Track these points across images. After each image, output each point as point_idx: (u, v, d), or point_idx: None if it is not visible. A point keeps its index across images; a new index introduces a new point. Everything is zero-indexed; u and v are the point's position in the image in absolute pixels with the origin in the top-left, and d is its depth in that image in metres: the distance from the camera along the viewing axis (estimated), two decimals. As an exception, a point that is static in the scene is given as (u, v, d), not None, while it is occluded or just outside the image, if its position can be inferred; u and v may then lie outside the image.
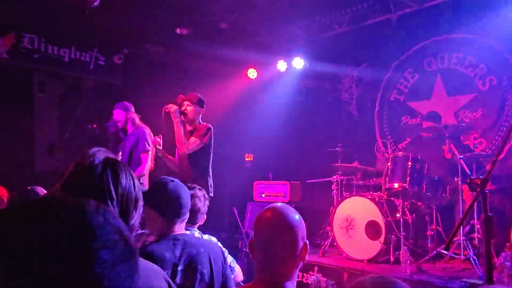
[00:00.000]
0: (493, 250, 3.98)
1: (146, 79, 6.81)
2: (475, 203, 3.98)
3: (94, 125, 4.49)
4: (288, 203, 6.07)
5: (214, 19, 6.22)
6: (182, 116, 4.17)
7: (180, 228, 2.08)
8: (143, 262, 1.34)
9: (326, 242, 4.89)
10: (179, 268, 1.94)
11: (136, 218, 1.28)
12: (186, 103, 4.25)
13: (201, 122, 4.37)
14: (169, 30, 6.38)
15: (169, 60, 7.11)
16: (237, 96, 7.42)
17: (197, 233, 2.32)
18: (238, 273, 2.47)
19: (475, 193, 1.94)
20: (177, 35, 6.41)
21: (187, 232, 2.28)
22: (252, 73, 7.33)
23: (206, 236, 2.33)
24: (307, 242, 1.44)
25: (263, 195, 6.39)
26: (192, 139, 4.20)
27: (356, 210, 4.61)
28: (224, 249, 2.33)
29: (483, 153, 4.94)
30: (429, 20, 5.67)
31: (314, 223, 6.10)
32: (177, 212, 2.04)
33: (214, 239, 2.38)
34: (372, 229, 4.46)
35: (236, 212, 6.64)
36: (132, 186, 1.25)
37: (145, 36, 6.63)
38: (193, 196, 2.35)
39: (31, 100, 5.78)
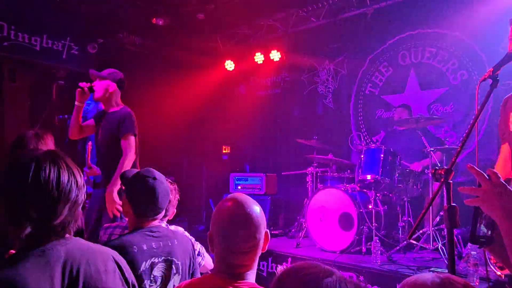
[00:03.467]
0: (461, 240, 4.12)
1: (121, 70, 6.69)
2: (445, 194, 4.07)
3: (66, 116, 4.37)
4: (264, 195, 6.12)
5: (191, 10, 6.15)
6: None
7: (154, 221, 2.07)
8: (88, 245, 1.33)
9: (300, 234, 4.94)
10: (156, 260, 1.93)
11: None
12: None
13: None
14: (145, 20, 6.28)
15: (145, 50, 7.01)
16: (214, 87, 7.39)
17: (163, 224, 2.31)
18: (208, 262, 2.47)
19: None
20: (153, 25, 6.32)
21: (162, 224, 2.27)
22: (229, 65, 7.30)
23: (172, 227, 2.32)
24: (268, 231, 1.44)
25: (239, 187, 6.40)
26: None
27: (329, 201, 4.66)
28: (191, 237, 2.33)
29: (454, 146, 5.04)
30: (404, 14, 5.74)
31: (289, 215, 6.15)
32: (150, 210, 2.03)
33: (180, 229, 2.37)
34: (345, 220, 4.52)
35: (212, 204, 6.64)
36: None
37: (120, 25, 6.50)
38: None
39: (1, 89, 5.62)
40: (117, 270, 1.33)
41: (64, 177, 1.29)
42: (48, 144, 2.49)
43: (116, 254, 1.37)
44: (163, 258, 1.96)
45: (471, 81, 5.37)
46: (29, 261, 1.19)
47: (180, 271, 2.01)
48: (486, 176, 1.25)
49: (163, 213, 2.13)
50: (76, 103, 3.52)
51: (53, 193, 1.26)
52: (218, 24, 6.68)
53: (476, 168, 1.27)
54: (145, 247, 1.91)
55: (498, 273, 2.35)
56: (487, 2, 4.90)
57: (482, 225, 1.45)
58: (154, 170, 2.12)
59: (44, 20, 5.74)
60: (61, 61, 6.08)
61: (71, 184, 1.30)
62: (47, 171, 1.27)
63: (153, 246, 1.94)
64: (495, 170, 1.24)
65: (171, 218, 2.43)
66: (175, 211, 2.45)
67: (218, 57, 7.30)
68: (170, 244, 2.00)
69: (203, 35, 6.84)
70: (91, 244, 1.35)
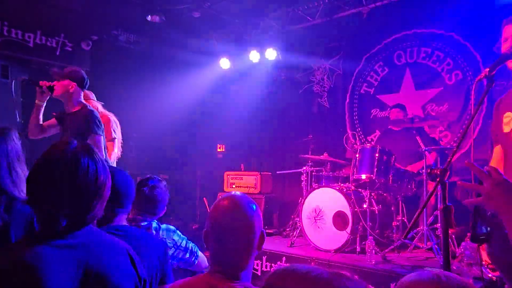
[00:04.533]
0: (455, 240, 4.13)
1: (115, 67, 6.66)
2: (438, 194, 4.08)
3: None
4: (258, 194, 6.11)
5: (186, 7, 6.12)
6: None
7: (120, 220, 1.97)
8: (106, 237, 1.32)
9: (295, 233, 4.93)
10: None
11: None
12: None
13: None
14: (140, 17, 6.24)
15: (140, 48, 6.97)
16: (209, 86, 7.37)
17: (154, 224, 2.29)
18: (202, 260, 2.46)
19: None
20: (148, 22, 6.28)
21: (153, 223, 2.26)
22: (224, 63, 7.28)
23: (164, 226, 2.31)
24: (264, 231, 1.43)
25: (234, 186, 6.38)
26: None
27: (324, 201, 4.66)
28: (174, 239, 2.28)
29: (448, 145, 5.06)
30: (400, 14, 5.75)
31: (284, 214, 6.15)
32: (117, 202, 1.93)
33: (172, 227, 2.35)
34: (339, 219, 4.52)
35: (206, 203, 6.62)
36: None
37: (115, 22, 6.46)
38: (154, 187, 2.32)
39: (-6, 86, 5.56)
40: (130, 264, 1.31)
41: (101, 172, 1.27)
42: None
43: (130, 249, 1.35)
44: None
45: (466, 81, 5.39)
46: (50, 248, 1.18)
47: (145, 273, 1.89)
48: (486, 173, 1.22)
49: (128, 209, 2.01)
50: (36, 101, 3.48)
51: (91, 189, 1.24)
52: (214, 22, 6.66)
53: (475, 165, 1.25)
54: None
55: (490, 275, 2.36)
56: (482, 2, 4.92)
57: (482, 224, 1.44)
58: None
59: (37, 17, 5.68)
60: (54, 58, 6.02)
61: (106, 179, 1.28)
62: (86, 167, 1.25)
63: None
64: (495, 166, 1.21)
65: (161, 215, 2.42)
66: (165, 209, 2.43)
67: (213, 55, 7.27)
68: (136, 244, 1.90)
69: (199, 33, 6.82)
70: (107, 236, 1.34)
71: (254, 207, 1.44)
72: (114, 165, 4.55)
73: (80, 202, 1.23)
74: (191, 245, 2.40)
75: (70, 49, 6.14)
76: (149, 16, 6.15)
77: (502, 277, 2.19)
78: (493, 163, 2.46)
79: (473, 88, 2.08)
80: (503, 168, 2.32)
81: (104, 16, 6.13)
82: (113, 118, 4.36)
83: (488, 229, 1.35)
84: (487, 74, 2.05)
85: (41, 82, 3.39)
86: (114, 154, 4.41)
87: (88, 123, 3.25)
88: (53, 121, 3.61)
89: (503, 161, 2.33)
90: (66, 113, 3.49)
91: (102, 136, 3.32)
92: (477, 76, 2.09)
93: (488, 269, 2.31)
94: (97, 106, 4.30)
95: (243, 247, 1.37)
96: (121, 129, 4.62)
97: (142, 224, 2.26)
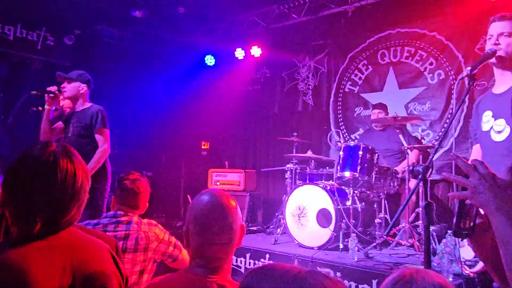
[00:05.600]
0: (436, 237, 4.20)
1: (99, 62, 6.56)
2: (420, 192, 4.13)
3: (40, 108, 4.26)
4: (243, 191, 6.10)
5: (171, 3, 6.07)
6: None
7: None
8: (86, 236, 1.29)
9: (279, 230, 4.94)
10: None
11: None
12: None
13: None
14: (124, 12, 6.16)
15: (124, 43, 6.89)
16: (194, 82, 7.32)
17: (135, 218, 2.27)
18: (186, 257, 2.44)
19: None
20: (133, 17, 6.21)
21: (134, 218, 2.23)
22: (209, 60, 7.25)
23: (145, 220, 2.30)
24: (243, 224, 1.45)
25: (218, 183, 6.36)
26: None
27: (308, 198, 4.67)
28: (155, 233, 2.25)
29: (430, 144, 5.13)
30: (384, 13, 5.79)
31: (268, 211, 6.16)
32: None
33: (154, 222, 2.34)
34: (323, 217, 4.54)
35: (190, 200, 6.60)
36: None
37: (98, 17, 6.36)
38: (136, 180, 2.31)
39: (-28, 80, 5.44)
40: (113, 263, 1.29)
41: (79, 175, 1.24)
42: None
43: (111, 248, 1.33)
44: None
45: (448, 81, 5.47)
46: (33, 249, 1.15)
47: None
48: (472, 167, 1.19)
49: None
50: (46, 107, 3.74)
51: (69, 192, 1.21)
52: (199, 19, 6.62)
53: (462, 158, 1.22)
54: None
55: (467, 271, 2.40)
56: (464, 3, 4.99)
57: (466, 218, 1.44)
58: None
59: (18, 9, 5.56)
60: (35, 52, 5.91)
61: (84, 182, 1.25)
62: (65, 169, 1.21)
63: None
64: (481, 160, 1.20)
65: (142, 212, 2.39)
66: (148, 205, 2.42)
67: (198, 52, 7.23)
68: None
69: (184, 29, 6.76)
70: (88, 236, 1.31)
71: (233, 202, 1.46)
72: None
73: (57, 205, 1.20)
74: (174, 240, 2.38)
75: (52, 43, 6.04)
76: (134, 10, 6.08)
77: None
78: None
79: (454, 87, 2.11)
80: None
81: (88, 11, 6.03)
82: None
83: (471, 224, 1.36)
84: (468, 73, 2.08)
85: (48, 89, 3.71)
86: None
87: (97, 118, 3.62)
88: (59, 124, 3.90)
89: (482, 158, 2.37)
90: (72, 113, 3.82)
91: (107, 131, 3.67)
92: (459, 75, 2.12)
93: (465, 266, 2.35)
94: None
95: (223, 242, 1.38)
96: (104, 125, 4.57)
97: (122, 219, 2.23)
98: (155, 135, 7.07)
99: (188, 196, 6.85)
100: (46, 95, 3.72)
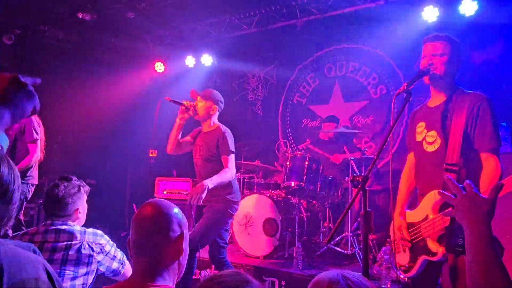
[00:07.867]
0: (376, 245, 4.36)
1: (41, 64, 6.29)
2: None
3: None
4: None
5: (120, 7, 5.93)
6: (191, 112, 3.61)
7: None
8: (19, 251, 1.22)
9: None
10: None
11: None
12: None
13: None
14: (70, 14, 5.95)
15: (69, 45, 6.64)
16: (142, 89, 7.18)
17: (78, 227, 2.18)
18: (127, 270, 2.37)
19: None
20: (79, 19, 6.00)
21: (77, 227, 2.15)
22: (159, 67, 7.14)
23: (90, 230, 2.20)
24: (184, 231, 1.44)
25: (165, 192, 6.24)
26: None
27: (255, 207, 4.71)
28: (100, 243, 2.17)
29: (372, 156, 5.34)
30: (331, 29, 6.01)
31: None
32: None
33: (99, 232, 2.24)
34: (269, 226, 4.59)
35: (136, 210, 6.43)
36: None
37: (42, 17, 6.10)
38: (67, 186, 2.20)
39: None
40: (47, 278, 1.22)
41: (5, 173, 1.16)
42: None
43: (45, 262, 1.26)
44: None
45: (389, 96, 5.75)
46: None
47: None
48: (460, 187, 1.33)
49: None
50: (176, 119, 3.64)
51: None
52: (149, 24, 6.51)
53: (451, 179, 1.36)
54: None
55: (402, 276, 2.51)
56: (404, 23, 5.28)
57: (458, 236, 1.55)
58: None
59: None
60: (-30, 50, 5.58)
61: (13, 180, 1.17)
62: None
63: None
64: (469, 182, 1.32)
65: (79, 222, 2.26)
66: (83, 214, 2.29)
67: (147, 58, 7.11)
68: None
69: (133, 34, 6.63)
70: (21, 250, 1.23)
71: (175, 210, 1.45)
72: (36, 168, 4.30)
73: None
74: (119, 253, 2.29)
75: (-12, 42, 5.71)
76: (80, 13, 5.88)
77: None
78: (406, 169, 2.64)
79: (393, 101, 2.23)
80: (415, 174, 2.50)
81: (30, 10, 5.76)
82: (35, 118, 4.11)
83: (463, 241, 1.47)
84: (405, 88, 2.22)
85: (183, 101, 3.58)
86: (35, 157, 4.16)
87: (219, 144, 3.50)
88: (188, 138, 3.77)
89: (415, 167, 2.51)
90: (200, 131, 3.74)
91: (233, 155, 3.52)
92: (397, 90, 2.25)
93: (401, 271, 2.47)
94: None
95: (161, 240, 1.37)
96: (45, 130, 4.38)
97: (61, 228, 2.12)
98: (99, 142, 6.84)
99: (133, 205, 6.67)
100: (181, 106, 3.58)
